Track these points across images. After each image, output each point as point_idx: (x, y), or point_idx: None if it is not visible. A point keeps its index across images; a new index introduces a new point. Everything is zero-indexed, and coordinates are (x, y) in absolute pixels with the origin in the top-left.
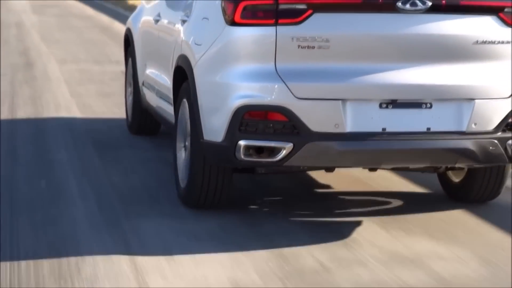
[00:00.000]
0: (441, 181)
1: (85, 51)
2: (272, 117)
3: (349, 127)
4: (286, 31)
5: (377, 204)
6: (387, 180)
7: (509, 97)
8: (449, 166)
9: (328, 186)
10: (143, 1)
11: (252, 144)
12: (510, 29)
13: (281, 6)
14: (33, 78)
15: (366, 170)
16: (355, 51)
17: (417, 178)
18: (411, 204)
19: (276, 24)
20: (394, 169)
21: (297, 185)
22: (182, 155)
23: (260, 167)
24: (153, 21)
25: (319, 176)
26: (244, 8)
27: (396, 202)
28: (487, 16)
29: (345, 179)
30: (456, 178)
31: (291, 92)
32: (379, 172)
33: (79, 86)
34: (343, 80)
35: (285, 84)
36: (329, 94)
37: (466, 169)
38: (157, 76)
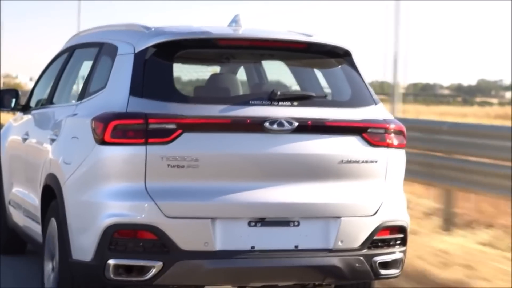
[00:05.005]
0: None
1: None
2: (142, 235)
3: (218, 246)
4: (156, 151)
5: None
6: None
7: (374, 215)
8: (316, 283)
9: None
10: (11, 120)
11: (122, 263)
12: (373, 148)
13: (151, 126)
14: None
15: None
16: (223, 171)
17: None
18: None
19: (146, 143)
20: (263, 287)
21: None
22: (50, 274)
23: (130, 286)
24: (21, 140)
25: None
26: (114, 128)
27: None
28: (351, 136)
29: None
30: None
31: (161, 210)
32: None
33: None
34: (212, 199)
35: (155, 202)
36: (199, 213)
37: (333, 286)
38: (25, 195)
